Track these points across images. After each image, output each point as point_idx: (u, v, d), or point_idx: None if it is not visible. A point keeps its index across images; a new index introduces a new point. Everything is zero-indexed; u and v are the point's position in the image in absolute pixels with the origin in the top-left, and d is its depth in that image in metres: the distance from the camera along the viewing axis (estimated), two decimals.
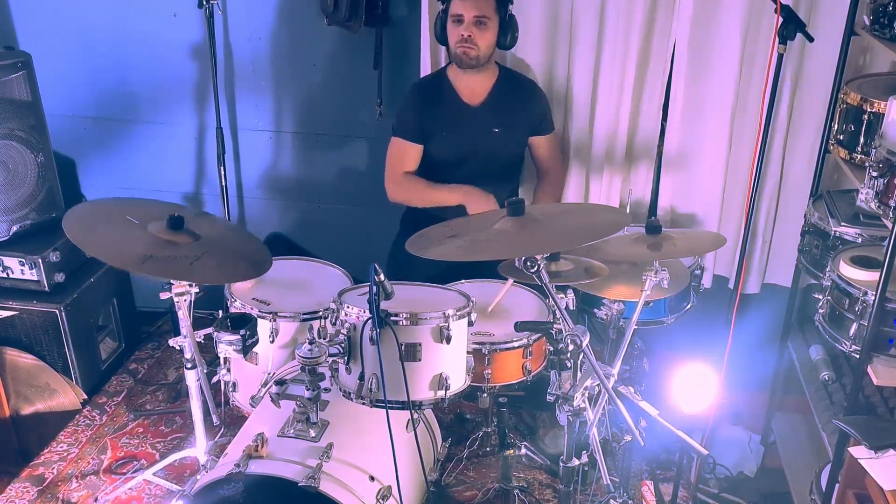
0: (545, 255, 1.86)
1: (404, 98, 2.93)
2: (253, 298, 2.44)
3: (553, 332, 2.01)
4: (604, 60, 2.92)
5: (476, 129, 2.86)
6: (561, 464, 1.93)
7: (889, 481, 1.93)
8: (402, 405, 1.99)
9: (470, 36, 2.72)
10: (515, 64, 3.02)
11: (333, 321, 2.07)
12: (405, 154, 2.88)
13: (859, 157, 2.37)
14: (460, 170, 2.87)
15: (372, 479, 2.02)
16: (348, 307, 2.01)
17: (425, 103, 2.87)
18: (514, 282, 2.46)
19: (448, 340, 2.00)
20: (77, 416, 3.05)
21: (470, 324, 2.10)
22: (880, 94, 2.33)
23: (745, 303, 2.97)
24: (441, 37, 2.81)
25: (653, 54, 2.93)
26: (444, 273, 2.53)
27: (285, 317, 2.37)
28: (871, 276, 2.18)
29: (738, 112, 2.93)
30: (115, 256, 2.11)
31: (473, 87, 2.86)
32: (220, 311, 2.50)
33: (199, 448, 2.39)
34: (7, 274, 2.97)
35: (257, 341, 2.15)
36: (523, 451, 2.65)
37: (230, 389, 2.49)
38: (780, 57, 2.35)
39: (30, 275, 2.96)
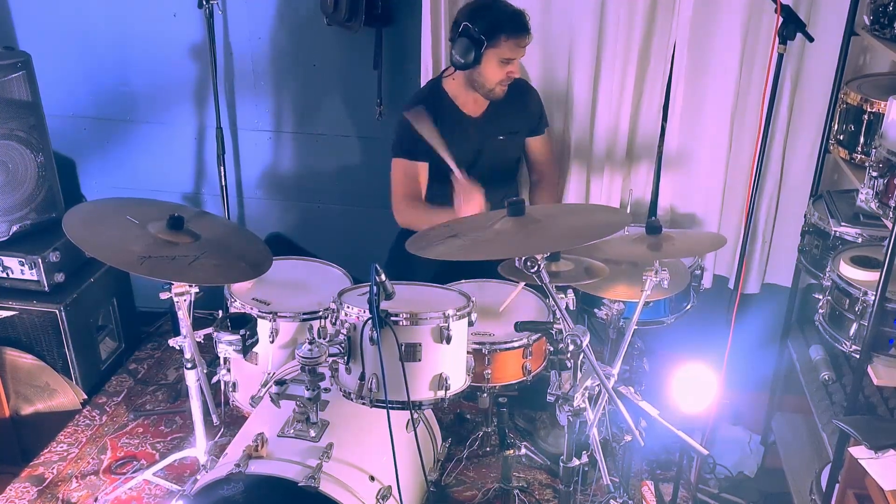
0: (545, 255, 1.86)
1: (402, 118, 2.79)
2: (253, 298, 2.44)
3: (553, 332, 2.02)
4: (604, 61, 2.92)
5: (481, 139, 2.84)
6: (561, 464, 1.93)
7: (889, 481, 1.93)
8: (402, 405, 1.99)
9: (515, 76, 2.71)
10: None
11: (333, 321, 2.07)
12: (414, 174, 2.79)
13: (859, 157, 2.37)
14: None
15: (372, 479, 2.02)
16: (348, 307, 2.01)
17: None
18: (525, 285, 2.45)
19: (448, 340, 2.00)
20: (77, 416, 3.05)
21: (470, 324, 2.10)
22: (880, 94, 2.33)
23: (745, 303, 2.97)
24: (463, 64, 2.62)
25: (653, 55, 2.93)
26: (444, 273, 2.52)
27: (285, 317, 2.37)
28: (871, 276, 2.18)
29: (738, 112, 2.93)
30: (114, 256, 2.10)
31: (476, 98, 2.81)
32: (220, 311, 2.51)
33: (199, 448, 2.39)
34: (7, 274, 2.97)
35: (257, 341, 2.15)
36: (523, 451, 2.65)
37: (230, 389, 2.49)
38: (780, 57, 2.35)
39: (30, 275, 2.96)
